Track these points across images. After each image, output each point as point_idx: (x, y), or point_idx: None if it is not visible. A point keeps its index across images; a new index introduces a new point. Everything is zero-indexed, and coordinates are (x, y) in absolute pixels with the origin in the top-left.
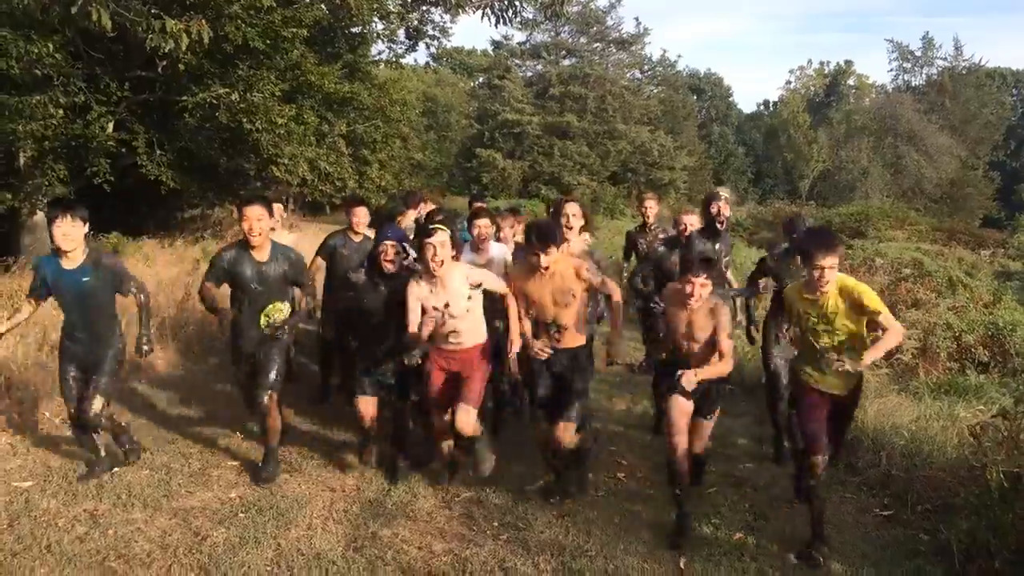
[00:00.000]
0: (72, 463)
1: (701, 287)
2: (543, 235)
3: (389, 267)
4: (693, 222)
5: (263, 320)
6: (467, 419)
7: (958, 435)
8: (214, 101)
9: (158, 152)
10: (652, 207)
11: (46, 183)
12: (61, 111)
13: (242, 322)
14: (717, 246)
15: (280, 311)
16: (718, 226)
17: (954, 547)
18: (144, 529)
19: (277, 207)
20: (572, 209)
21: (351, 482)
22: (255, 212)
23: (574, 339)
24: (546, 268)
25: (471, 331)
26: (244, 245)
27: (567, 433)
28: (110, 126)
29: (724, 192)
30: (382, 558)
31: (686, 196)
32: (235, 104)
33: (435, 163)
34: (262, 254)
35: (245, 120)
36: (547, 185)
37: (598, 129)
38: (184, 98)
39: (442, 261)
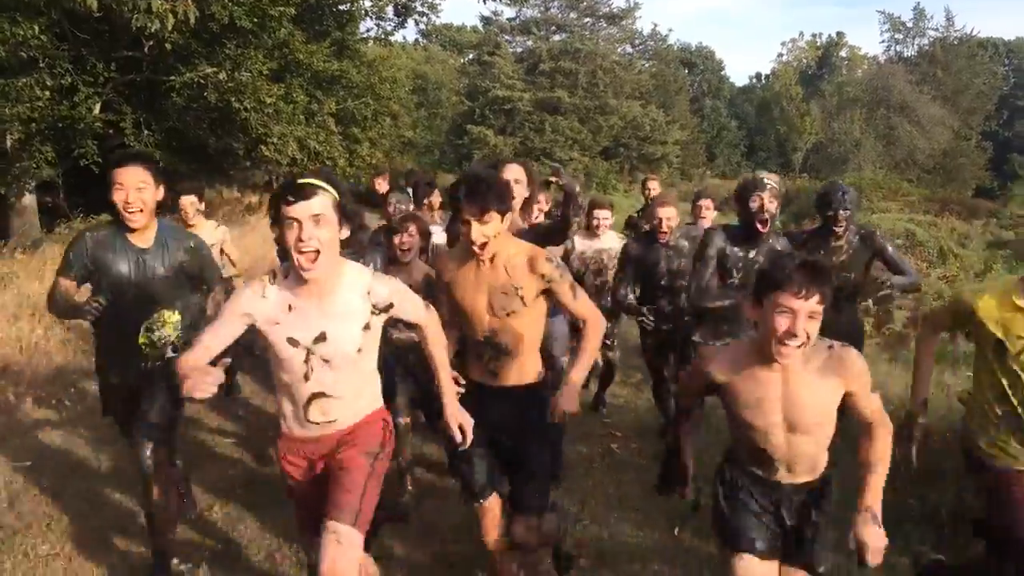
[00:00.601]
0: (69, 444)
1: (809, 319)
2: (474, 191)
3: None
4: (670, 215)
5: (143, 338)
6: (344, 565)
7: (947, 401)
8: (201, 81)
9: (146, 132)
10: (655, 188)
11: (34, 166)
12: (47, 93)
13: (110, 341)
14: (754, 256)
15: (168, 324)
16: (759, 228)
17: (943, 512)
18: (141, 508)
19: (189, 199)
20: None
21: None
22: (133, 177)
23: (522, 373)
24: (482, 247)
25: (355, 396)
26: (118, 226)
27: (527, 530)
28: (97, 107)
29: (771, 179)
30: (382, 527)
31: (679, 171)
32: (223, 83)
33: (426, 140)
34: (144, 239)
35: (233, 99)
36: (539, 161)
37: (589, 104)
38: (171, 78)
39: (316, 253)
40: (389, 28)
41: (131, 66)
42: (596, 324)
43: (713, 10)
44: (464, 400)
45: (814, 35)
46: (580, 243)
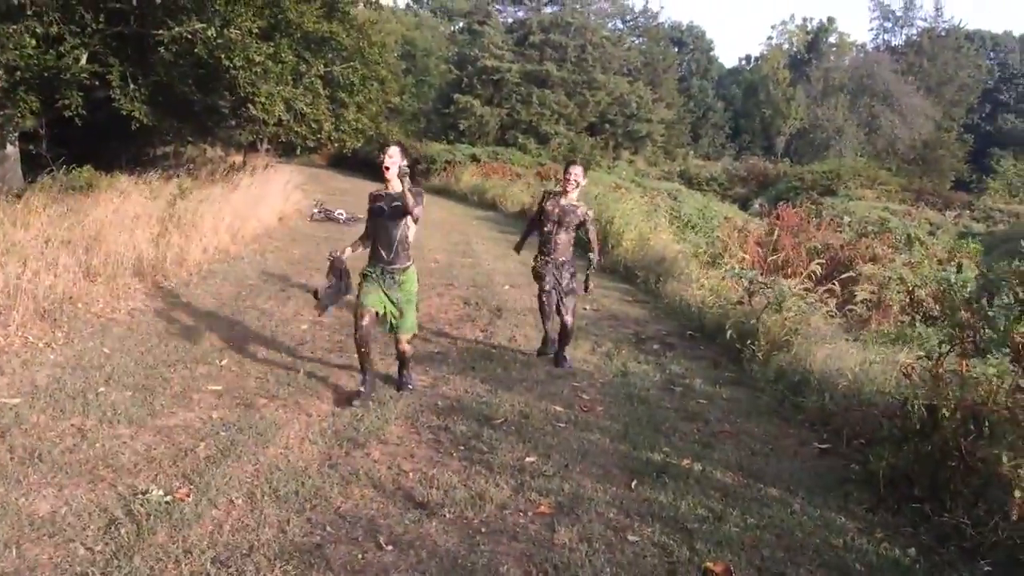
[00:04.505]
0: (58, 382)
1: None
2: None
3: None
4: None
5: None
6: None
7: (896, 378)
8: (190, 36)
9: (132, 86)
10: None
11: (17, 115)
12: (34, 41)
13: None
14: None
15: None
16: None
17: (879, 475)
18: (130, 443)
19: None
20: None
21: (326, 408)
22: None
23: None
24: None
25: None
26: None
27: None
28: (83, 58)
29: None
30: (355, 475)
31: (663, 150)
32: (211, 40)
33: (412, 108)
34: None
35: (223, 56)
36: (524, 134)
37: (577, 79)
38: (159, 32)
39: None
40: None
41: (119, 18)
42: None
43: None
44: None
45: (804, 19)
46: None
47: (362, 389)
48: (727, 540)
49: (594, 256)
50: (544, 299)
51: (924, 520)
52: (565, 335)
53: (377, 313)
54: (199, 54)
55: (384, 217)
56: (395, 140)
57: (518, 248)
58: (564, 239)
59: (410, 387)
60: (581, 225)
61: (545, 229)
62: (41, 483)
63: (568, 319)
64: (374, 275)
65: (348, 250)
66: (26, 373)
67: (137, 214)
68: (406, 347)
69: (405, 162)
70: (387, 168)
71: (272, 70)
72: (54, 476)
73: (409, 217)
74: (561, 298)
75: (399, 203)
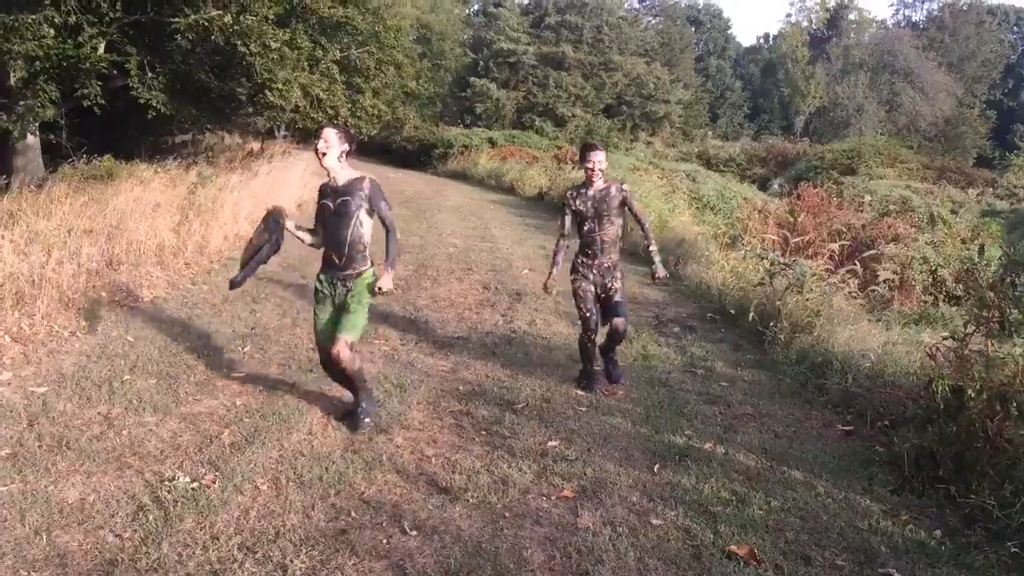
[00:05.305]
0: (83, 370)
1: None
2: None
3: None
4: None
5: None
6: None
7: (920, 359)
8: (206, 23)
9: (149, 75)
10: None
11: (38, 105)
12: (52, 31)
13: None
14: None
15: None
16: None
17: (904, 457)
18: (155, 431)
19: None
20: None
21: (349, 395)
22: None
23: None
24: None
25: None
26: None
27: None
28: (101, 47)
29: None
30: (378, 460)
31: (681, 131)
32: (228, 27)
33: (429, 92)
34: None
35: (239, 43)
36: (541, 116)
37: (593, 60)
38: (177, 19)
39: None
40: None
41: (136, 6)
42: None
43: None
44: None
45: None
46: None
47: (363, 405)
48: (751, 523)
49: (649, 234)
50: (588, 335)
51: (950, 502)
52: (617, 338)
53: None
54: (216, 41)
55: (331, 215)
56: (332, 122)
57: (549, 275)
58: (611, 233)
59: (367, 421)
60: (623, 204)
61: (585, 228)
62: (69, 471)
63: (620, 321)
64: (326, 289)
65: (306, 236)
66: (52, 362)
67: (158, 202)
68: (343, 351)
69: (346, 147)
70: (323, 155)
71: (288, 56)
72: (82, 464)
73: (360, 213)
74: (614, 306)
75: (347, 198)
